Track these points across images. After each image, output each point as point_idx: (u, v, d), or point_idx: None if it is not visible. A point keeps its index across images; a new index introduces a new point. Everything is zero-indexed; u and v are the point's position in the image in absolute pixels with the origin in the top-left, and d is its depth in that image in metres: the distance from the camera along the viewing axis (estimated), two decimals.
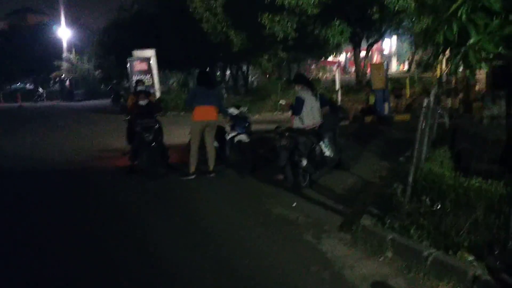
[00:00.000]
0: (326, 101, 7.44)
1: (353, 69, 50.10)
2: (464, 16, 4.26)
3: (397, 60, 56.31)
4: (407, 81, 18.34)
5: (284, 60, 23.08)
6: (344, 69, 53.29)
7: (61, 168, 9.76)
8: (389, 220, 4.51)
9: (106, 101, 31.14)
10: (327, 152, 7.14)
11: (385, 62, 14.73)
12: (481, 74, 13.66)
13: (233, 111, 8.22)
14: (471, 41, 4.32)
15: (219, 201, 6.50)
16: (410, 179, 4.57)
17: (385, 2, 14.50)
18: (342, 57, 55.87)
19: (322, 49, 25.06)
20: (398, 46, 57.17)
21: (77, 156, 11.05)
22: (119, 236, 5.27)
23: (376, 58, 46.30)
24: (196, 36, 22.57)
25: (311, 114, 6.94)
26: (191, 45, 23.86)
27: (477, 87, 13.51)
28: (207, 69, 24.14)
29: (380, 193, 5.85)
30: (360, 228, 4.63)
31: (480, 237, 3.77)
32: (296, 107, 6.91)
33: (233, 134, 7.97)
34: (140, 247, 4.89)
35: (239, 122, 8.10)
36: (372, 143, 10.19)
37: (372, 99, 13.95)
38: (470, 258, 3.58)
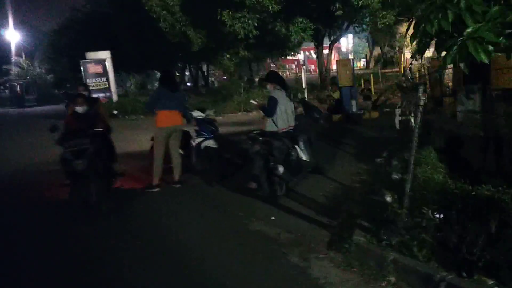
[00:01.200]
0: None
1: (312, 67, 50.28)
2: (463, 2, 3.79)
3: (354, 57, 57.01)
4: (371, 78, 18.17)
5: (246, 59, 22.45)
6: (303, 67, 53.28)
7: None
8: (385, 236, 3.97)
9: (60, 107, 29.63)
10: (304, 157, 6.57)
11: (352, 59, 14.38)
12: (448, 68, 13.50)
13: (198, 114, 7.53)
14: (469, 30, 3.82)
15: (189, 216, 5.78)
16: (408, 187, 4.04)
17: None
18: (300, 56, 56.04)
19: (283, 47, 24.71)
20: (354, 44, 57.96)
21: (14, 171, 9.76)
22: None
23: (334, 56, 46.54)
24: (153, 36, 21.70)
25: (285, 116, 6.34)
26: (148, 46, 22.95)
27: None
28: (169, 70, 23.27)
29: (367, 201, 5.33)
30: (353, 246, 4.06)
31: (497, 255, 3.27)
32: (270, 109, 6.30)
33: (199, 139, 7.28)
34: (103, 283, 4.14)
35: (205, 126, 7.42)
36: (344, 143, 9.74)
37: (337, 94, 13.57)
38: (491, 282, 3.08)
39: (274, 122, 6.28)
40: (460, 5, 3.82)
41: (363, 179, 6.78)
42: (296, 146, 6.48)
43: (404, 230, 3.95)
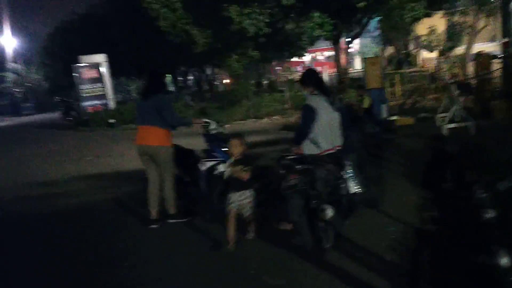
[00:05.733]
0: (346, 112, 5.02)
1: (318, 69, 48.41)
2: None
3: (361, 58, 55.03)
4: (396, 78, 16.36)
5: (258, 60, 20.58)
6: None
7: None
8: None
9: (56, 115, 28.19)
10: (354, 188, 4.70)
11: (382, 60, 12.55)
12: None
13: (214, 127, 5.69)
14: None
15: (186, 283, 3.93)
16: None
17: None
18: (305, 58, 54.16)
19: (293, 46, 22.93)
20: (362, 44, 56.01)
21: None
22: None
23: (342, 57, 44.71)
24: (153, 37, 19.91)
25: (329, 132, 4.53)
26: (148, 48, 21.18)
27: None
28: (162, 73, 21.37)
29: (465, 264, 3.50)
30: None
31: None
32: (305, 123, 4.49)
33: (211, 163, 5.46)
34: None
35: (218, 144, 5.58)
36: (387, 159, 7.85)
37: (367, 102, 11.65)
38: None
39: (314, 142, 4.46)
40: None
41: (435, 216, 4.92)
42: (344, 174, 4.64)
43: None
